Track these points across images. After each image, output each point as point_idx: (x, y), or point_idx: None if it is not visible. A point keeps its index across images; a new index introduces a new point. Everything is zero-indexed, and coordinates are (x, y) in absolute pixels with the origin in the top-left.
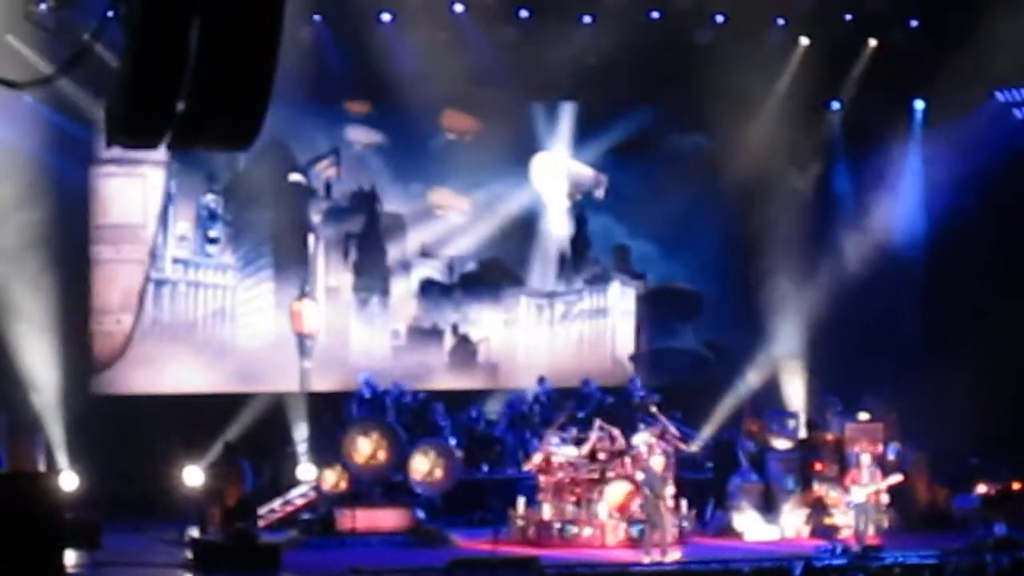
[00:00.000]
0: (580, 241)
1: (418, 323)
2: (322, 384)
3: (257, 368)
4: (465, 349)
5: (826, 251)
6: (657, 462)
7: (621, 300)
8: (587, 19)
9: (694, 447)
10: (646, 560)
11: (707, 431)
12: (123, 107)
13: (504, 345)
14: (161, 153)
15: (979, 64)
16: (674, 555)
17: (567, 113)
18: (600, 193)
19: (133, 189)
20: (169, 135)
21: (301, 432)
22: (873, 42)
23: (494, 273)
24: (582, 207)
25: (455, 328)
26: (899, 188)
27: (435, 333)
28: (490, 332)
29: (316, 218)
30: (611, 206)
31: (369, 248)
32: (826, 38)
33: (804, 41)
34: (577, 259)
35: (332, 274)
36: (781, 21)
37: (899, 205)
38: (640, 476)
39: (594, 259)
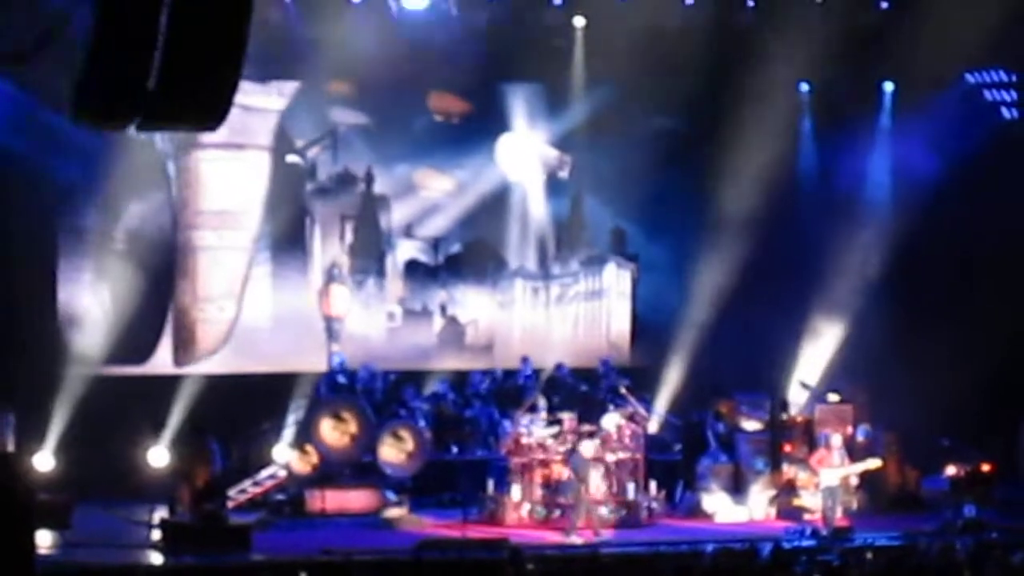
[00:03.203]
0: (576, 223)
1: (407, 305)
2: (311, 366)
3: (252, 349)
4: (455, 331)
5: (795, 233)
6: (587, 447)
7: (617, 282)
8: (557, 1)
9: (652, 426)
10: (578, 542)
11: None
12: (92, 87)
13: (499, 327)
14: (266, 137)
15: (949, 45)
16: (604, 535)
17: (537, 94)
18: (564, 174)
19: (236, 174)
20: (138, 116)
21: (272, 413)
22: (843, 23)
23: (479, 254)
24: (577, 187)
25: (443, 309)
26: (869, 169)
27: (426, 314)
28: (479, 314)
29: (310, 200)
30: (593, 188)
31: (362, 230)
32: (795, 19)
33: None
34: (573, 241)
35: (327, 256)
36: (751, 2)
37: (868, 186)
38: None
39: (589, 241)
